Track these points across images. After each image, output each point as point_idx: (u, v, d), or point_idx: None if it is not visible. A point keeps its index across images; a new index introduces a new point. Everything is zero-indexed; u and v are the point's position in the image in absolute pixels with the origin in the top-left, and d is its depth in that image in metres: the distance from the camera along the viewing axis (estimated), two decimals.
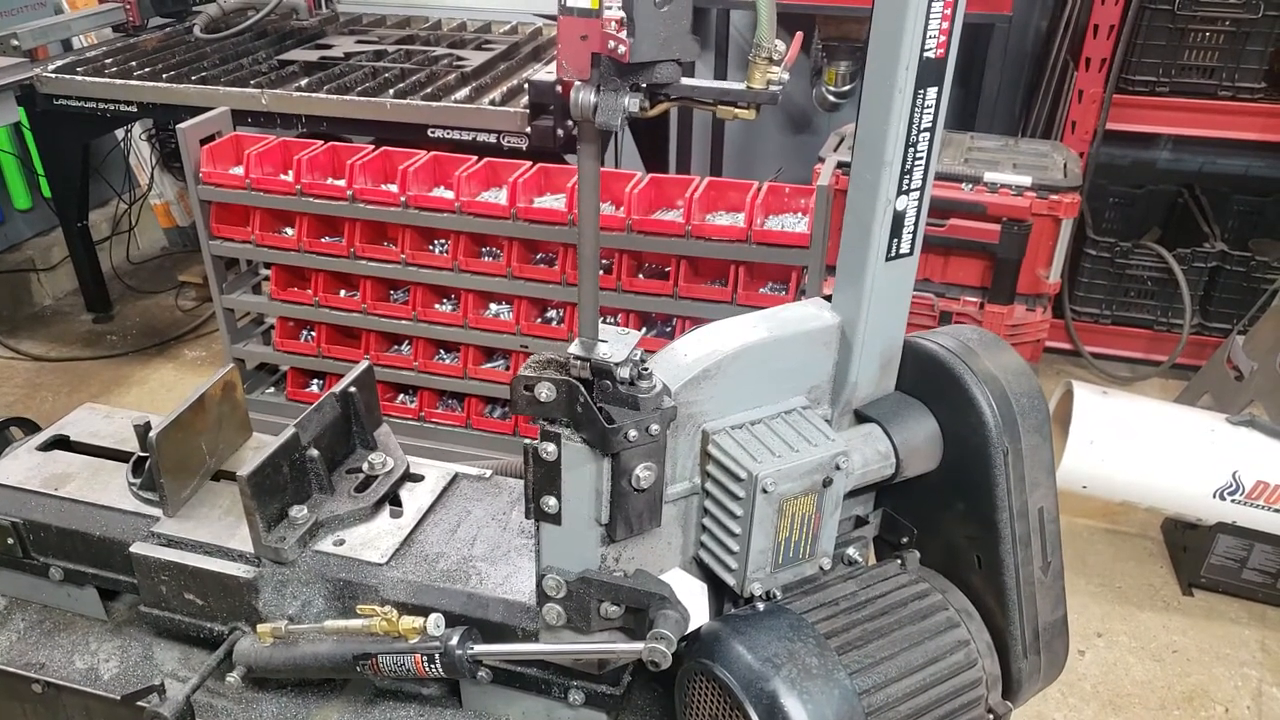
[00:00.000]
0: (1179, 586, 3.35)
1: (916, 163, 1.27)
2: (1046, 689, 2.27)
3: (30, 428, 2.01)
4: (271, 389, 3.79)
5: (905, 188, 1.28)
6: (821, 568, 1.39)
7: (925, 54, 1.18)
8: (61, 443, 1.86)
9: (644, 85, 1.06)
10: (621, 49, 1.00)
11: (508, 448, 3.42)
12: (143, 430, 1.72)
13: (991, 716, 1.40)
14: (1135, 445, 3.09)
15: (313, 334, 3.58)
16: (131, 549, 1.59)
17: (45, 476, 1.75)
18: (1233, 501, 3.05)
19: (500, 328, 3.31)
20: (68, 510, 1.69)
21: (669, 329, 3.22)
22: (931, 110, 1.24)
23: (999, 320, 3.80)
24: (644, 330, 3.23)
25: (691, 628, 1.31)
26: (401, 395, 3.61)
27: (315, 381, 3.72)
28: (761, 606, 1.33)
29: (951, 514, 1.44)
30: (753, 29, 1.02)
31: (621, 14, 1.02)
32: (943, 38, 1.19)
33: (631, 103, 1.05)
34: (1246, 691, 2.96)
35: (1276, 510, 3.03)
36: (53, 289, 5.30)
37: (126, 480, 1.73)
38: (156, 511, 1.66)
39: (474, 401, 3.49)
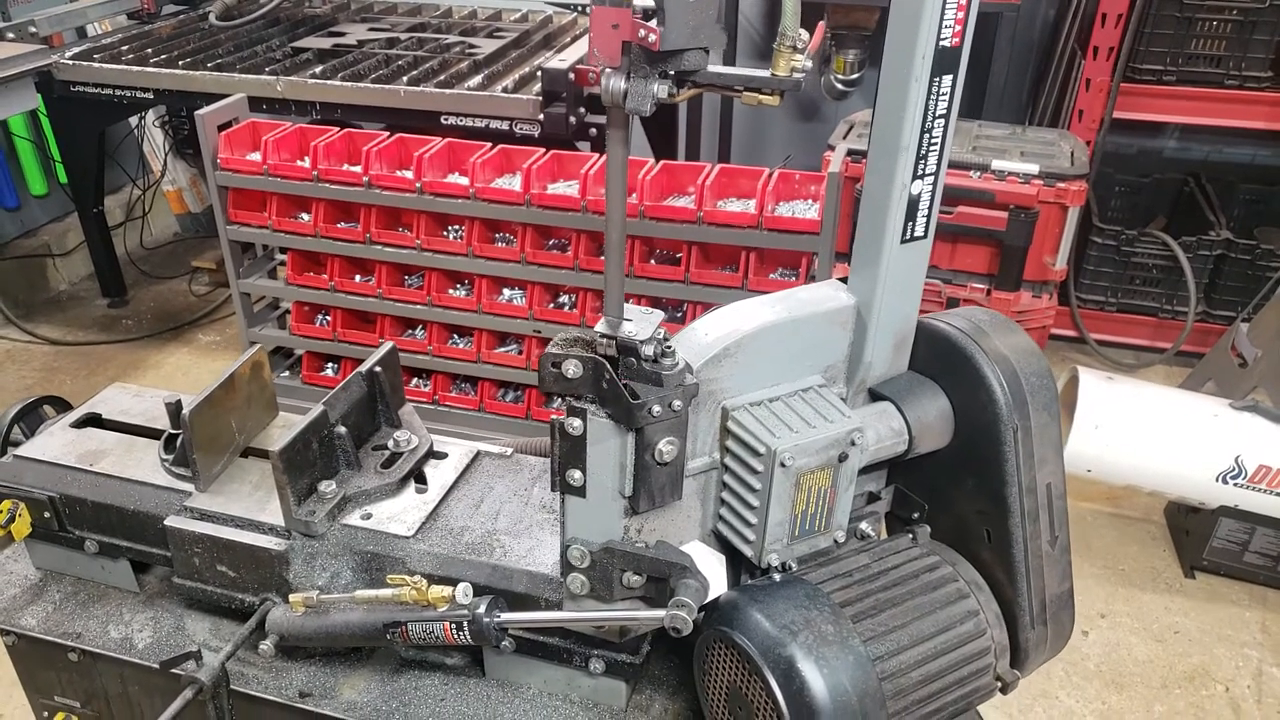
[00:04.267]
0: (1181, 569, 3.40)
1: (931, 148, 1.31)
2: (1050, 667, 2.31)
3: (61, 406, 2.05)
4: (287, 372, 3.84)
5: (920, 173, 1.32)
6: (836, 541, 1.43)
7: (941, 43, 1.22)
8: (94, 420, 1.91)
9: (672, 72, 1.10)
10: (652, 37, 1.04)
11: (520, 431, 3.48)
12: (174, 408, 1.77)
13: (1000, 684, 1.45)
14: (1139, 430, 3.13)
15: (328, 318, 3.63)
16: (166, 522, 1.63)
17: (80, 452, 1.79)
18: (1235, 485, 3.09)
19: (513, 313, 3.36)
20: (103, 485, 1.73)
21: (680, 314, 3.26)
22: (946, 97, 1.28)
23: (1005, 307, 3.84)
24: None
25: (710, 597, 1.36)
26: (416, 379, 3.66)
27: (330, 365, 3.77)
28: (778, 577, 1.38)
29: (962, 490, 1.48)
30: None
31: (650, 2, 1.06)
32: (958, 27, 1.23)
33: (660, 89, 1.09)
34: (1247, 671, 3.01)
35: (1278, 494, 3.08)
36: (68, 274, 5.35)
37: (159, 456, 1.77)
38: (188, 487, 1.70)
39: (487, 385, 3.54)
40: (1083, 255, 4.50)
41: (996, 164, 3.73)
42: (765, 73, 1.13)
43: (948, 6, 1.20)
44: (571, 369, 1.25)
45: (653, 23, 1.04)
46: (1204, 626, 3.17)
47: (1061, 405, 3.29)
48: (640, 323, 1.25)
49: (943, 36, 1.22)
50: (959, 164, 3.73)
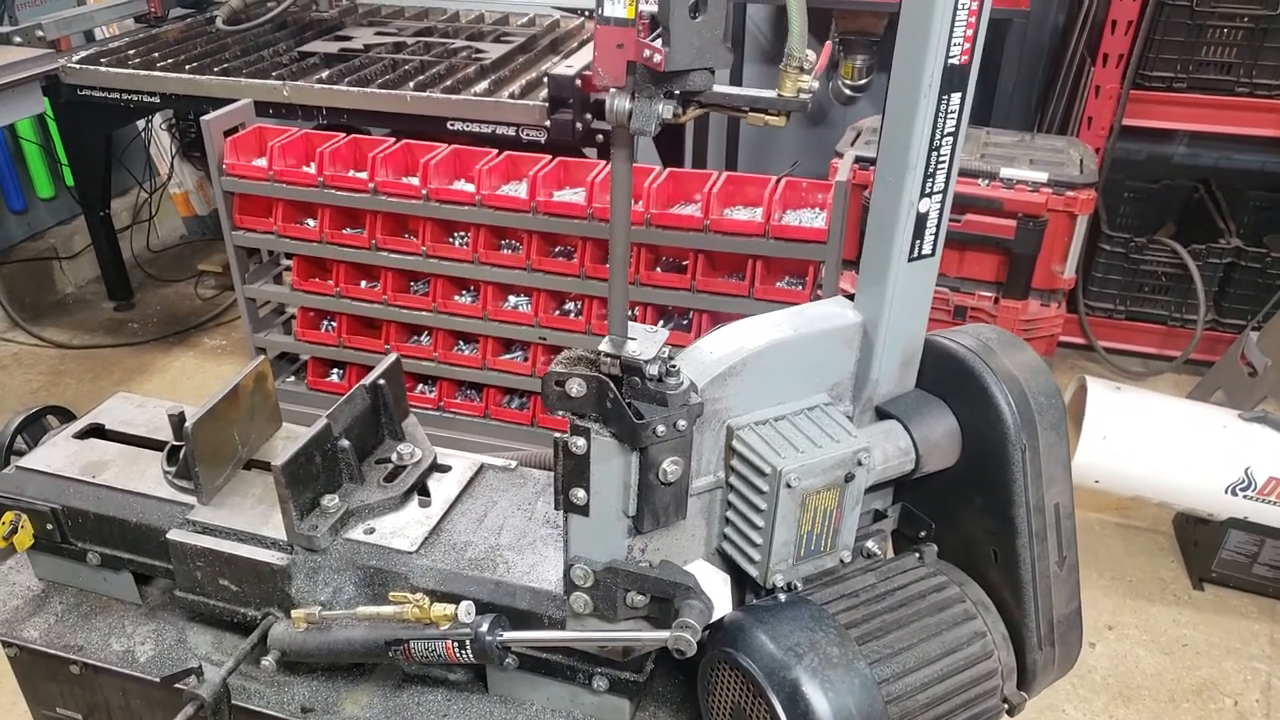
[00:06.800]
0: (1190, 581, 3.38)
1: (939, 166, 1.30)
2: (1058, 680, 2.26)
3: (65, 416, 2.05)
4: (292, 378, 3.84)
5: (928, 191, 1.30)
6: (842, 560, 1.42)
7: (950, 61, 1.21)
8: (97, 431, 1.90)
9: (677, 92, 1.09)
10: (657, 58, 1.03)
11: (526, 438, 3.47)
12: (177, 420, 1.76)
13: (1006, 706, 1.43)
14: (1148, 440, 3.11)
15: (333, 324, 3.63)
16: (168, 535, 1.62)
17: (83, 464, 1.79)
18: (1244, 497, 3.07)
19: (519, 320, 3.35)
20: (105, 497, 1.72)
21: (686, 322, 3.25)
22: (955, 115, 1.26)
23: (1013, 315, 3.82)
24: (661, 323, 3.27)
25: (715, 617, 1.35)
26: (421, 385, 3.65)
27: (335, 371, 3.77)
28: (783, 597, 1.37)
29: (969, 509, 1.47)
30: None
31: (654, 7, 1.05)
32: (967, 45, 1.22)
33: (665, 109, 1.08)
34: (1256, 685, 2.99)
35: None
36: (75, 277, 5.36)
37: (161, 468, 1.76)
38: (191, 499, 1.69)
39: (492, 392, 3.54)
40: (1092, 262, 4.47)
41: (1005, 172, 3.71)
42: (771, 93, 1.12)
43: (956, 24, 1.19)
44: (575, 388, 1.24)
45: (658, 43, 1.03)
46: (1212, 639, 3.15)
47: (1069, 415, 3.27)
48: (644, 341, 1.24)
49: (951, 54, 1.21)
50: (967, 171, 3.71)
